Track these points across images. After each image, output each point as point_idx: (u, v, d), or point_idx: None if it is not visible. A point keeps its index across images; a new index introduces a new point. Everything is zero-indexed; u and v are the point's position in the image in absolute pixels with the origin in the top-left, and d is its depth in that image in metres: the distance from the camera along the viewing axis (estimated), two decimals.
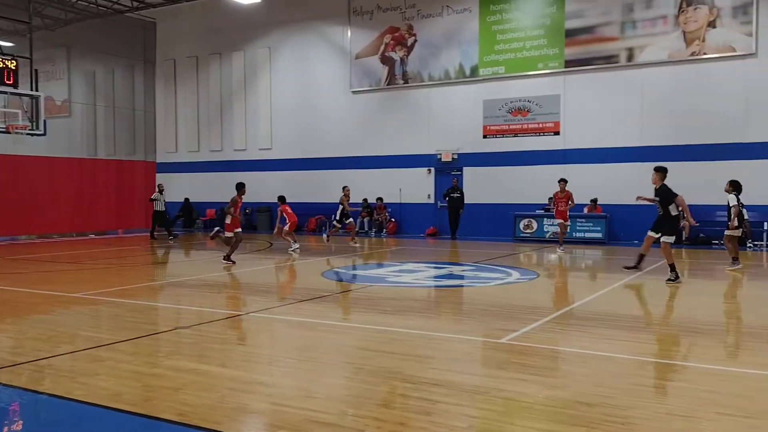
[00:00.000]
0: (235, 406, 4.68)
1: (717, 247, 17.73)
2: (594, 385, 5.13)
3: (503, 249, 17.61)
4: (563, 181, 16.60)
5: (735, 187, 12.74)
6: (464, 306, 9.31)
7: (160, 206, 21.11)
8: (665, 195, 10.85)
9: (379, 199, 23.35)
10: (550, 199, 18.90)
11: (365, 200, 23.51)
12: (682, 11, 18.72)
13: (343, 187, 18.90)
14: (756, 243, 17.50)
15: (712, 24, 18.35)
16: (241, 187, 14.01)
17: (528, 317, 7.90)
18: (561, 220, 16.77)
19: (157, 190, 21.46)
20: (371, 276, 12.16)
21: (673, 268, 10.82)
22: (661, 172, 11.11)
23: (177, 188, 27.45)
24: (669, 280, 10.80)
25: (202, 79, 27.65)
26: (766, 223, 17.46)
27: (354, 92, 24.24)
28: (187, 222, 27.29)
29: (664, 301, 9.49)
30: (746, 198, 17.45)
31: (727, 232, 13.10)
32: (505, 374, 5.56)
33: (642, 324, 7.58)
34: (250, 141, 26.70)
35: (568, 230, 18.06)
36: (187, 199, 27.35)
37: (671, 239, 10.98)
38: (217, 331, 7.29)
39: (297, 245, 16.66)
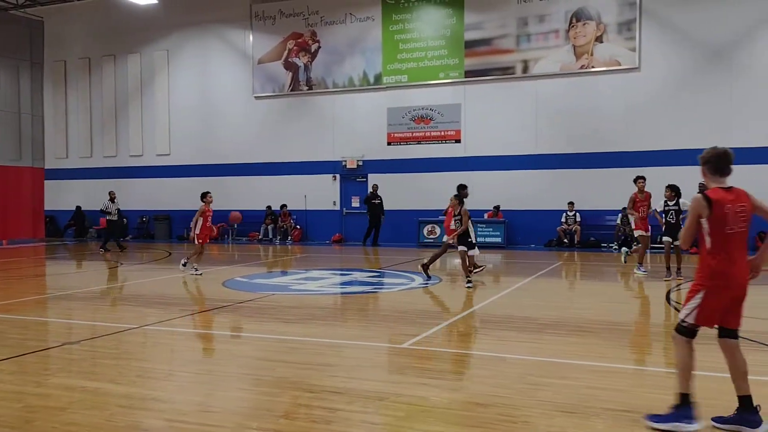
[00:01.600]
0: (126, 424, 4.48)
1: (606, 250, 18.78)
2: (490, 386, 5.29)
3: (408, 255, 17.86)
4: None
5: (677, 192, 12.11)
6: (368, 312, 9.36)
7: (113, 216, 19.67)
8: None
9: (284, 206, 23.11)
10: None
11: (269, 207, 23.22)
12: (572, 26, 19.75)
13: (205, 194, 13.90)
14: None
15: (599, 39, 19.45)
16: (205, 195, 13.14)
17: (430, 321, 8.04)
18: (449, 238, 12.22)
19: (108, 198, 19.86)
20: (274, 284, 12.00)
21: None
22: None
23: (67, 196, 26.07)
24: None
25: (95, 82, 26.39)
26: None
27: (257, 97, 23.90)
28: (80, 231, 25.95)
29: (557, 303, 9.93)
30: (615, 204, 18.65)
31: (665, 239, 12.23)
32: (406, 379, 5.63)
33: (536, 325, 7.90)
34: (148, 146, 25.74)
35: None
36: (78, 207, 26.00)
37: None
38: (109, 346, 6.95)
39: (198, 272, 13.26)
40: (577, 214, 19.52)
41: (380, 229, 21.21)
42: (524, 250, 19.06)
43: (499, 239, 19.95)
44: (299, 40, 23.21)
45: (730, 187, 4.28)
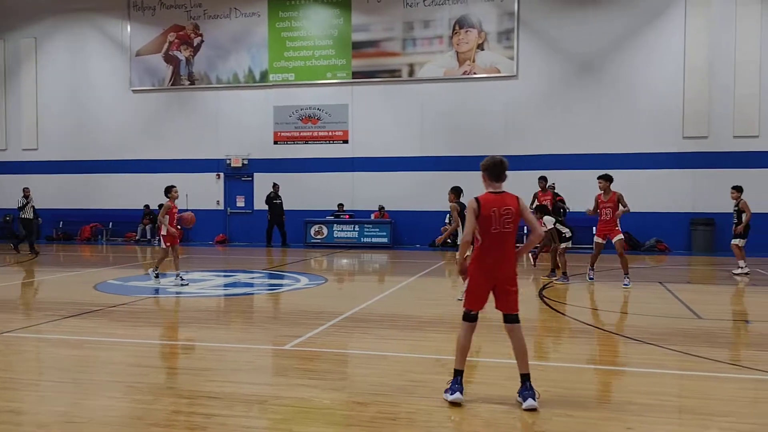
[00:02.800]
0: None
1: None
2: (371, 385, 5.31)
3: (294, 255, 17.67)
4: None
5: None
6: (250, 314, 9.14)
7: (27, 213, 17.73)
8: None
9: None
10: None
11: (147, 206, 22.19)
12: (455, 33, 20.35)
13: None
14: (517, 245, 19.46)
15: (480, 46, 20.17)
16: (170, 190, 11.44)
17: (314, 322, 7.97)
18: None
19: (22, 194, 17.88)
20: (150, 287, 11.46)
21: None
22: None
23: None
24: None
25: None
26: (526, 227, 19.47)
27: (135, 91, 22.79)
28: None
29: (440, 300, 10.16)
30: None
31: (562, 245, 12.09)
32: (287, 381, 5.54)
33: (417, 323, 8.04)
34: (12, 140, 23.86)
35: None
36: None
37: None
38: None
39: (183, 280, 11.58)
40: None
41: (284, 229, 20.74)
42: (410, 250, 19.41)
43: (385, 239, 20.18)
44: (180, 33, 22.37)
45: (502, 192, 4.95)
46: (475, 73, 20.26)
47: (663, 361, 6.27)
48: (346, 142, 21.39)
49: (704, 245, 18.16)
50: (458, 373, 4.86)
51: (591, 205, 11.44)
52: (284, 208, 20.89)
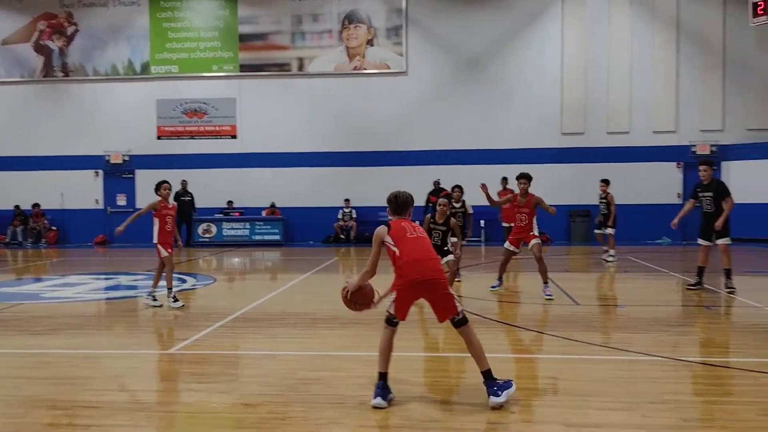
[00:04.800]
0: None
1: None
2: (260, 386, 5.19)
3: (182, 255, 17.02)
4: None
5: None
6: (133, 318, 8.70)
7: None
8: (720, 189, 9.54)
9: (36, 205, 20.68)
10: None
11: (17, 207, 20.65)
12: (345, 28, 20.35)
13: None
14: None
15: (370, 42, 20.29)
16: (160, 186, 9.30)
17: (201, 324, 7.71)
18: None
19: None
20: (23, 293, 10.67)
21: (700, 272, 9.78)
22: (709, 164, 9.67)
23: None
24: (694, 285, 9.75)
25: None
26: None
27: (1, 83, 21.12)
28: None
29: (332, 297, 10.10)
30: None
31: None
32: (172, 386, 5.32)
33: (309, 320, 7.97)
34: None
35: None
36: None
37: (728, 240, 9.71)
38: None
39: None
40: (353, 210, 20.18)
41: (192, 227, 19.81)
42: (302, 247, 19.24)
43: (277, 237, 19.89)
44: (52, 22, 20.94)
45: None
46: (365, 69, 20.36)
47: (544, 347, 6.57)
48: (234, 137, 20.87)
49: (582, 235, 19.27)
50: (381, 377, 4.76)
51: (496, 198, 10.27)
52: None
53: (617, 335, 7.23)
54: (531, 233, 9.45)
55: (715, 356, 6.41)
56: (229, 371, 5.91)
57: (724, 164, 19.11)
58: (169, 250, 9.21)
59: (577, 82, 19.69)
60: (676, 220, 9.86)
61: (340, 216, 20.28)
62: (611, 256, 13.93)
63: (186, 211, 19.82)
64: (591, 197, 18.65)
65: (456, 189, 11.35)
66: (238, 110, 20.80)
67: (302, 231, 20.45)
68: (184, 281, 11.80)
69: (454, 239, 9.58)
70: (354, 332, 7.29)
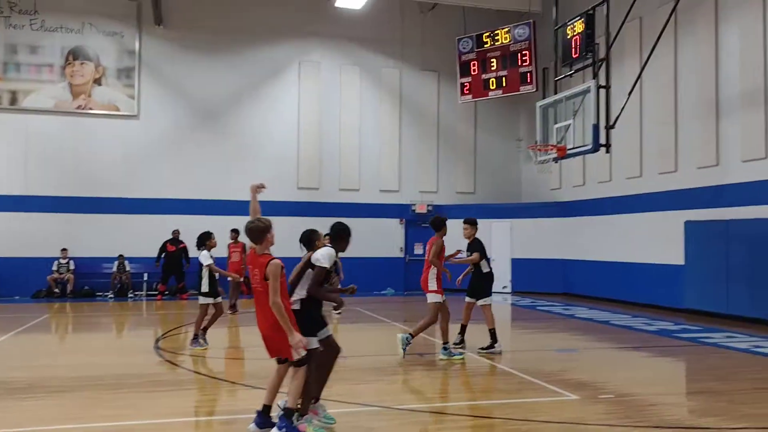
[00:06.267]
0: None
1: (101, 299, 18.03)
2: None
3: None
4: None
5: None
6: None
7: None
8: (478, 248, 9.53)
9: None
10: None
11: None
12: (69, 63, 18.74)
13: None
14: (137, 293, 18.50)
15: (98, 81, 18.94)
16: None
17: None
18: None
19: None
20: None
21: (494, 333, 9.46)
22: (474, 224, 9.77)
23: None
24: (486, 348, 9.37)
25: None
26: (146, 274, 18.68)
27: None
28: None
29: (38, 361, 8.92)
30: (129, 251, 18.49)
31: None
32: None
33: (5, 390, 6.91)
34: None
35: None
36: None
37: (491, 300, 9.65)
38: None
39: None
40: (71, 261, 18.26)
41: None
42: (7, 303, 16.77)
43: None
44: None
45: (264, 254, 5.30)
46: (91, 109, 18.89)
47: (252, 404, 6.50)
48: None
49: None
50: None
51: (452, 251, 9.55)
52: None
53: (339, 387, 7.44)
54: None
55: (429, 402, 6.95)
56: None
57: None
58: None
59: (313, 140, 20.56)
60: (460, 278, 9.75)
61: (55, 267, 18.19)
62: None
63: None
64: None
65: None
66: None
67: (8, 285, 17.86)
68: None
69: None
70: (59, 401, 6.48)
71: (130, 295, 18.19)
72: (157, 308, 16.22)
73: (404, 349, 8.94)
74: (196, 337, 9.78)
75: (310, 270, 5.57)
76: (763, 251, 12.48)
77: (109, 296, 18.12)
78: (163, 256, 18.13)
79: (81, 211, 18.49)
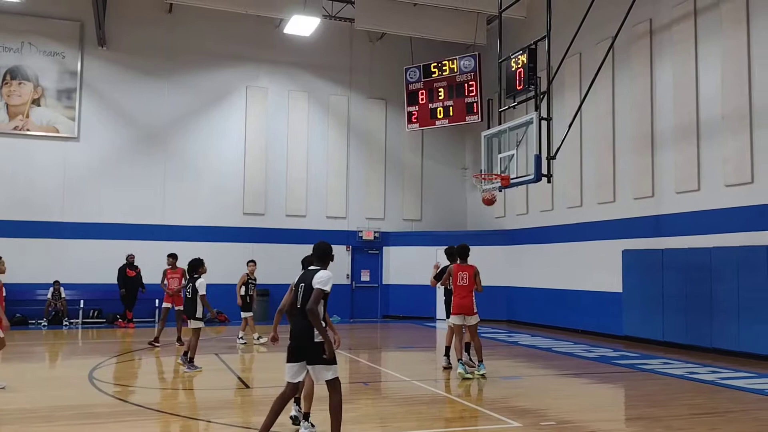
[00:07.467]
0: None
1: (34, 327, 17.29)
2: None
3: None
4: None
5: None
6: None
7: None
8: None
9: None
10: None
11: None
12: (6, 83, 18.16)
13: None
14: (72, 321, 17.81)
15: (36, 102, 18.39)
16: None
17: None
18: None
19: None
20: None
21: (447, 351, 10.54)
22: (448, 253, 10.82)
23: None
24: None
25: None
26: (82, 301, 18.03)
27: None
28: None
29: None
30: (64, 277, 17.85)
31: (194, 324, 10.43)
32: None
33: None
34: None
35: None
36: None
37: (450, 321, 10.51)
38: None
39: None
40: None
41: None
42: None
43: None
44: None
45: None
46: (28, 130, 18.29)
47: None
48: None
49: (262, 314, 19.44)
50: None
51: (433, 273, 11.27)
52: None
53: (284, 417, 7.31)
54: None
55: (374, 430, 6.88)
56: None
57: (385, 249, 21.42)
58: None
59: (259, 165, 20.38)
60: None
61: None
62: (241, 338, 14.07)
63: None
64: (273, 276, 18.99)
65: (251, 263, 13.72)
66: None
67: None
68: None
69: None
70: None
71: (65, 323, 17.49)
72: (95, 336, 15.65)
73: (471, 374, 9.69)
74: (191, 361, 10.05)
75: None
76: (697, 280, 12.95)
77: (43, 324, 17.38)
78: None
79: (15, 235, 17.77)
